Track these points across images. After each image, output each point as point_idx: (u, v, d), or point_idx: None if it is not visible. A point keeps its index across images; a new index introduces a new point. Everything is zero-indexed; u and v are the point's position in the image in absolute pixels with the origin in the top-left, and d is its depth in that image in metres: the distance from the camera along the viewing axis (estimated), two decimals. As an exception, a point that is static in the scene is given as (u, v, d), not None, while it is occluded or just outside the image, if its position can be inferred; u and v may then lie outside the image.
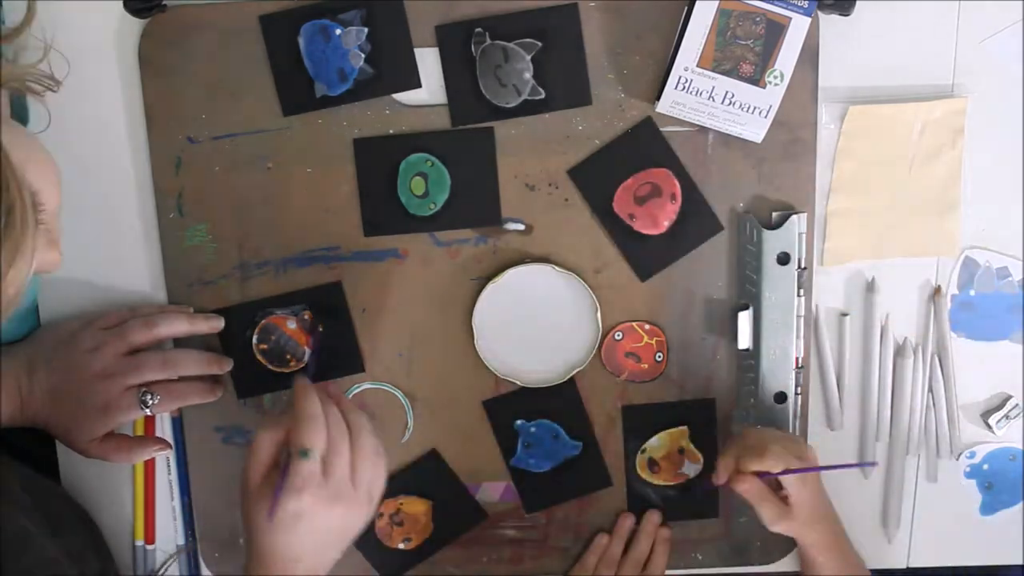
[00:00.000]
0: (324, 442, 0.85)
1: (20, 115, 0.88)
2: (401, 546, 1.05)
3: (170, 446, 1.02)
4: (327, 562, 0.87)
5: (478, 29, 0.95)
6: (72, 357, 0.95)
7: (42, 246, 0.75)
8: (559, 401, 1.03)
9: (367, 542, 1.05)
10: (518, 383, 1.01)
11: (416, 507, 1.05)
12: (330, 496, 0.84)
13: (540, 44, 0.95)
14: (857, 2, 0.93)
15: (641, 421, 1.04)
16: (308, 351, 1.01)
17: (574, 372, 1.01)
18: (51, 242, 0.77)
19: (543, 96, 0.96)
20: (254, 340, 1.01)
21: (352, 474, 0.86)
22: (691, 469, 1.05)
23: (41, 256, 0.75)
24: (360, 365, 1.02)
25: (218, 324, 1.00)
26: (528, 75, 0.95)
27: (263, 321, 1.00)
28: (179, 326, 0.98)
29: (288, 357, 1.01)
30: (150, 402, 0.96)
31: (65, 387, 0.95)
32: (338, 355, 1.02)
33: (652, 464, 1.05)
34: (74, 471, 1.04)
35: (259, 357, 1.01)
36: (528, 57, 0.95)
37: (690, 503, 1.05)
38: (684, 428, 1.04)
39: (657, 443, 1.04)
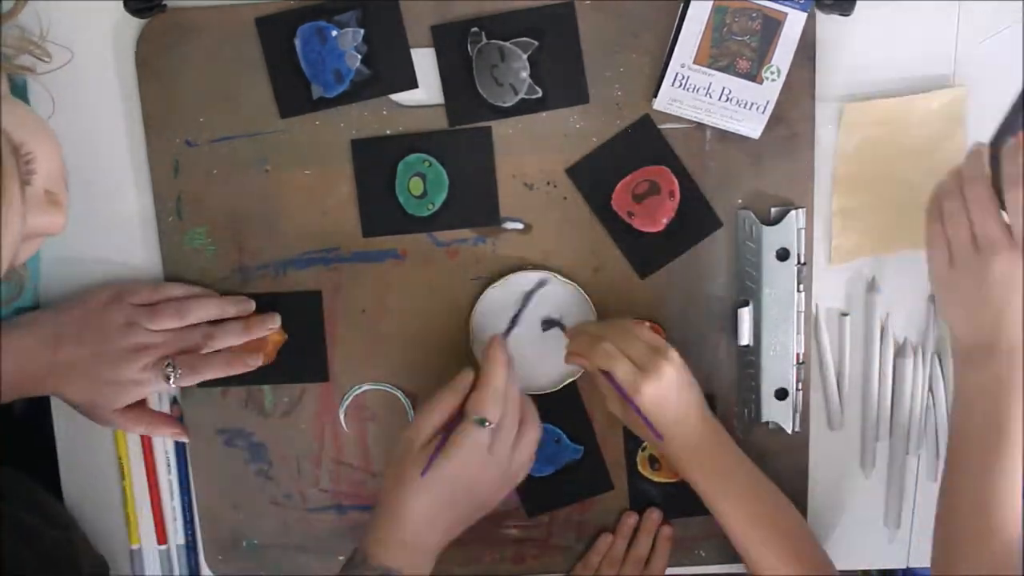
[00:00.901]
0: (498, 417, 0.90)
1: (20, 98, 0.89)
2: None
3: (187, 433, 1.03)
4: (456, 532, 0.92)
5: (474, 29, 0.95)
6: (104, 332, 0.95)
7: (41, 204, 0.75)
8: (560, 405, 1.03)
9: None
10: None
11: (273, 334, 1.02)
12: (490, 467, 0.90)
13: (536, 43, 0.95)
14: (857, 2, 0.93)
15: None
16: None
17: (568, 380, 1.02)
18: (53, 203, 0.77)
19: (540, 95, 0.96)
20: None
21: (512, 453, 0.92)
22: None
23: (41, 217, 0.75)
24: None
25: (249, 307, 1.00)
26: (525, 74, 0.96)
27: None
28: (209, 310, 0.98)
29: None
30: (172, 375, 0.96)
31: (95, 360, 0.95)
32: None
33: (653, 461, 1.04)
34: (74, 471, 1.05)
35: None
36: (524, 56, 0.95)
37: (691, 500, 1.04)
38: None
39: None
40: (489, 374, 0.91)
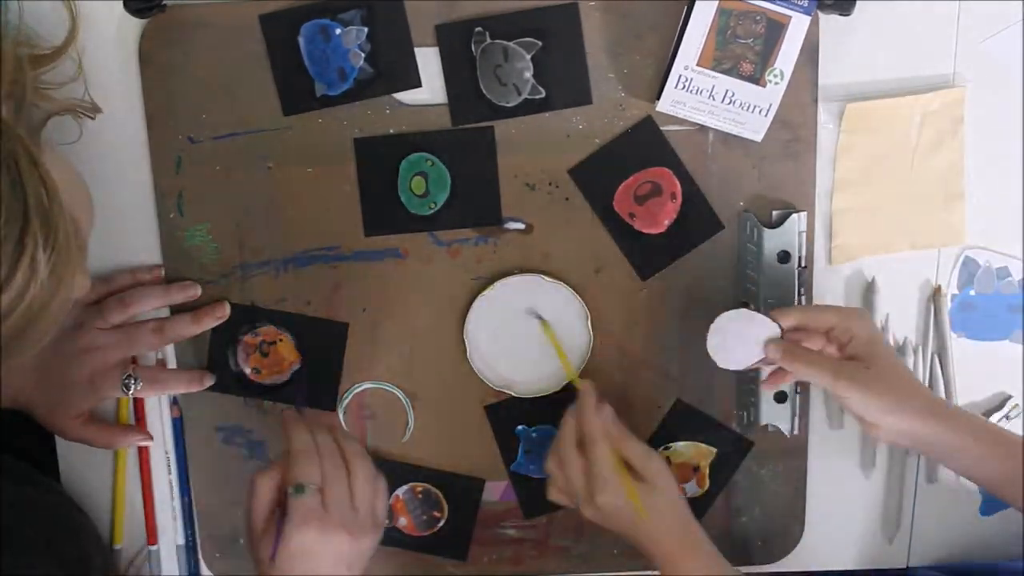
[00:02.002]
0: (319, 474, 0.87)
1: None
2: (247, 369, 1.02)
3: (151, 437, 1.03)
4: None
5: (478, 28, 0.95)
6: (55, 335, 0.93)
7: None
8: (560, 406, 1.02)
9: (220, 362, 1.02)
10: (512, 393, 1.02)
11: (288, 353, 1.02)
12: (333, 525, 0.85)
13: (540, 43, 0.95)
14: (857, 2, 0.93)
15: (681, 422, 1.04)
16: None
17: (567, 381, 1.01)
18: (81, 268, 0.77)
19: (543, 95, 0.96)
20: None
21: (351, 499, 0.88)
22: (692, 490, 1.05)
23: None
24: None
25: (195, 292, 0.99)
26: (528, 74, 0.96)
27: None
28: (153, 300, 0.98)
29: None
30: (132, 386, 0.96)
31: (50, 365, 0.94)
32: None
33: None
34: (75, 471, 1.04)
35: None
36: (528, 56, 0.95)
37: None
38: (713, 450, 1.04)
39: (683, 448, 1.04)
40: (289, 440, 0.89)
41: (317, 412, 1.02)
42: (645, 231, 0.98)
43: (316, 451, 0.88)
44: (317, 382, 1.02)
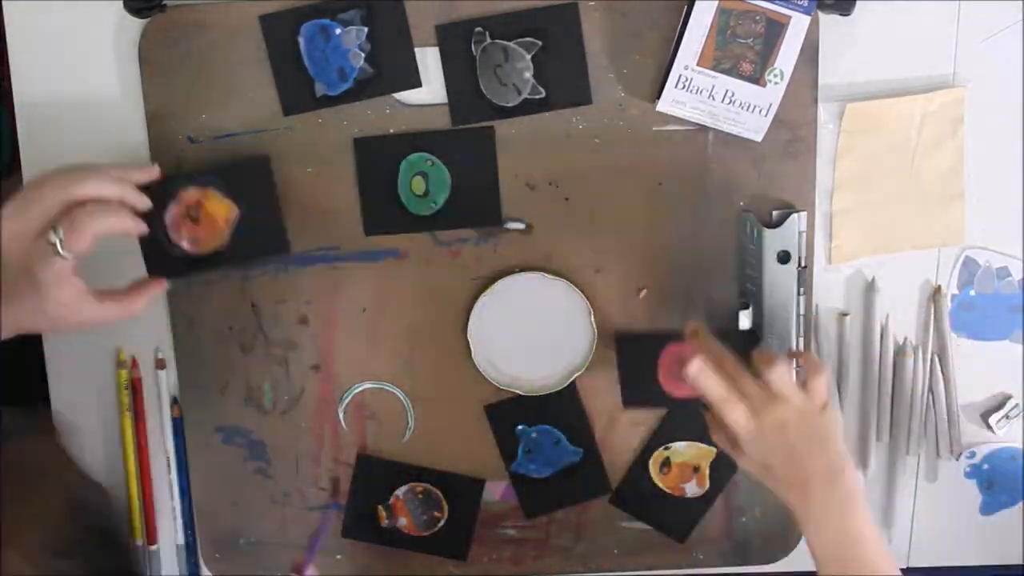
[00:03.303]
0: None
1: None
2: (184, 244, 0.95)
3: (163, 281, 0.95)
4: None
5: (478, 28, 0.95)
6: None
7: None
8: (560, 407, 1.03)
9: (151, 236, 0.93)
10: (518, 392, 1.02)
11: (219, 208, 0.95)
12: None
13: (540, 43, 0.95)
14: (857, 2, 0.93)
15: (681, 422, 1.03)
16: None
17: (574, 377, 1.01)
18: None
19: (543, 95, 0.96)
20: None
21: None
22: (692, 490, 1.05)
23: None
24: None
25: (153, 172, 0.91)
26: (528, 74, 0.96)
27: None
28: (106, 187, 0.86)
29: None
30: (54, 239, 0.82)
31: None
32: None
33: (665, 464, 1.05)
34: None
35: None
36: (528, 56, 0.95)
37: (668, 519, 1.05)
38: (713, 450, 1.04)
39: (683, 449, 1.04)
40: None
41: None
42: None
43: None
44: (259, 227, 0.97)
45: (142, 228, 0.89)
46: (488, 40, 0.95)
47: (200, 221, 0.95)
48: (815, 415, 0.86)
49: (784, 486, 0.87)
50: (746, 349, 0.89)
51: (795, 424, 0.85)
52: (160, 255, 0.95)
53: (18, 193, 0.85)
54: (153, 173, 0.91)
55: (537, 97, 0.96)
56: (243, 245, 0.97)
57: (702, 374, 0.86)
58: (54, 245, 0.82)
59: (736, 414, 0.85)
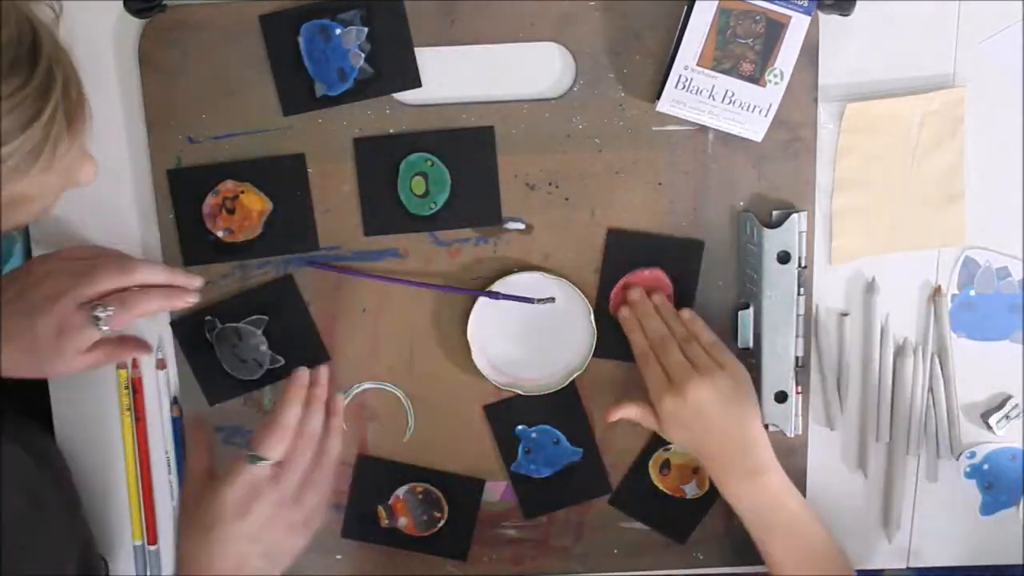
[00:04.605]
0: (282, 454, 0.86)
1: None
2: (220, 234, 0.99)
3: (150, 349, 1.00)
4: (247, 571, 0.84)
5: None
6: (21, 285, 0.88)
7: (78, 158, 0.73)
8: (560, 407, 1.03)
9: (187, 223, 0.98)
10: (518, 392, 1.01)
11: (254, 202, 0.98)
12: (269, 502, 0.84)
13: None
14: (857, 2, 0.93)
15: None
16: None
17: (574, 377, 1.01)
18: (84, 154, 0.74)
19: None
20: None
21: (299, 492, 0.87)
22: (692, 491, 1.05)
23: (82, 168, 0.74)
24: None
25: (197, 282, 0.95)
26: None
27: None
28: (157, 275, 0.92)
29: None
30: (102, 315, 0.87)
31: (16, 318, 0.87)
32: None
33: (665, 465, 1.05)
34: (75, 471, 1.04)
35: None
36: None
37: (667, 520, 1.06)
38: None
39: (682, 450, 1.04)
40: (278, 410, 0.87)
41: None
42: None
43: (295, 432, 0.86)
44: (293, 223, 0.99)
45: (188, 302, 0.95)
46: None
47: (235, 212, 0.98)
48: (733, 392, 0.95)
49: (698, 454, 0.97)
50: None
51: (712, 403, 0.93)
52: (195, 241, 0.99)
53: (67, 258, 0.91)
54: (196, 283, 0.95)
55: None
56: (274, 238, 0.99)
57: (627, 322, 0.99)
58: (98, 320, 0.87)
59: (652, 373, 0.96)
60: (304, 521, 0.87)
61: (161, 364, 1.03)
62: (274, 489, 0.85)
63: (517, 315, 1.00)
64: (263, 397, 1.03)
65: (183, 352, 1.01)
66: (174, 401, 1.03)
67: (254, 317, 1.00)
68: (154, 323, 1.01)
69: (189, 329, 1.01)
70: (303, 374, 0.90)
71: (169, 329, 1.01)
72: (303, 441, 0.87)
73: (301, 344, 1.01)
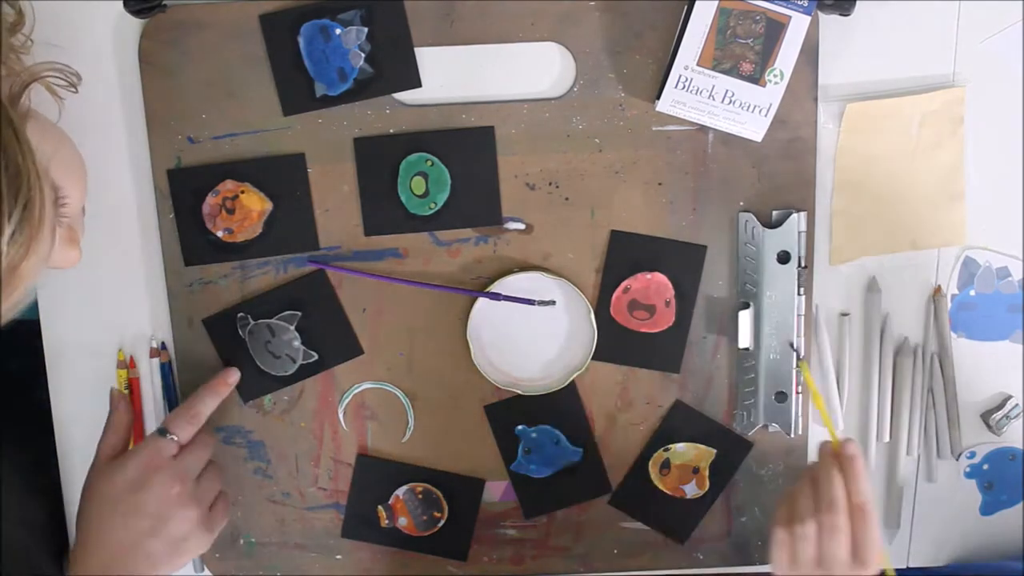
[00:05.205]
0: (188, 436, 0.93)
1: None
2: (220, 234, 0.99)
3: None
4: (142, 556, 0.89)
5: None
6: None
7: (63, 242, 0.76)
8: (560, 407, 1.03)
9: (187, 223, 0.99)
10: (518, 392, 1.01)
11: (254, 202, 0.98)
12: (169, 477, 0.90)
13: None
14: (857, 2, 0.93)
15: (681, 423, 1.03)
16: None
17: (574, 377, 1.01)
18: (72, 240, 0.78)
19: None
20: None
21: (199, 481, 0.93)
22: (692, 491, 1.05)
23: (61, 253, 0.76)
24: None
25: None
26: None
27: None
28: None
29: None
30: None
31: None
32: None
33: (665, 465, 1.04)
34: (74, 471, 1.04)
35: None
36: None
37: (667, 520, 1.06)
38: (713, 451, 1.04)
39: (683, 450, 1.04)
40: (198, 397, 0.95)
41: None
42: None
43: (204, 426, 0.94)
44: (293, 223, 0.99)
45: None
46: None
47: (235, 212, 0.98)
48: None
49: None
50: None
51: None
52: (195, 241, 0.99)
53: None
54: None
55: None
56: (274, 238, 0.99)
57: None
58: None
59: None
60: (205, 517, 0.93)
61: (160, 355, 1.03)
62: (172, 466, 0.90)
63: (517, 315, 1.00)
64: (264, 398, 1.03)
65: (216, 349, 1.02)
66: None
67: (287, 313, 1.01)
68: (154, 321, 1.01)
69: (222, 326, 1.01)
70: (234, 374, 0.99)
71: (170, 330, 1.01)
72: (204, 437, 0.95)
73: (334, 339, 1.01)
